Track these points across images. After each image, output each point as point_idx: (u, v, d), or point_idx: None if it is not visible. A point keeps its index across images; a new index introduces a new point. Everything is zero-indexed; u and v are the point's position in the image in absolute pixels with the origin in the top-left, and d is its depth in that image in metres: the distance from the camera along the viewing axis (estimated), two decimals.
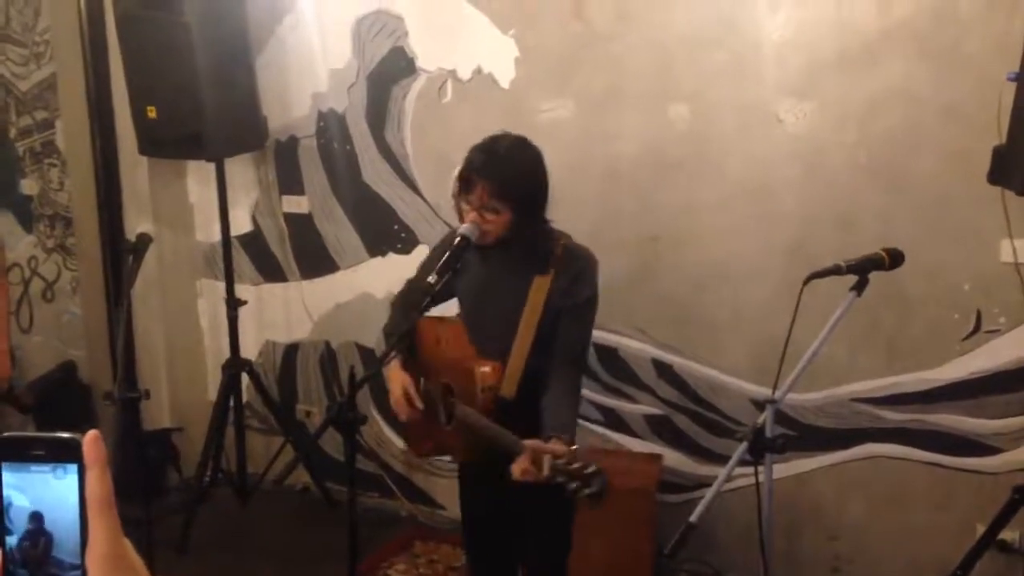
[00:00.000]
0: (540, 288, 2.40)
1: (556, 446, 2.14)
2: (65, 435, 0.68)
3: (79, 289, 4.51)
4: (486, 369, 2.39)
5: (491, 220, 2.32)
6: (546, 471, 2.09)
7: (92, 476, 0.67)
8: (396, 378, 2.53)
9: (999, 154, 2.64)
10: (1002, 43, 2.74)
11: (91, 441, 0.67)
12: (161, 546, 3.56)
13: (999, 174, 2.64)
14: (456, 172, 2.41)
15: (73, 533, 0.67)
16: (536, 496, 2.46)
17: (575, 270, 2.42)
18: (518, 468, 2.16)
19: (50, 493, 0.67)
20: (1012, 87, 2.53)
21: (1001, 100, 2.67)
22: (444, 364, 2.52)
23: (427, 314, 2.40)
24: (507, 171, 2.32)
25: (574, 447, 2.15)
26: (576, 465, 2.05)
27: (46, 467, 0.68)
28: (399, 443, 4.05)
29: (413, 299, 2.44)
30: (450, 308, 2.59)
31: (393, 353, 2.46)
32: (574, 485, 2.05)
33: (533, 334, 2.39)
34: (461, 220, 2.40)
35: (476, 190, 2.31)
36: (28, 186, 4.60)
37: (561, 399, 2.36)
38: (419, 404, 2.50)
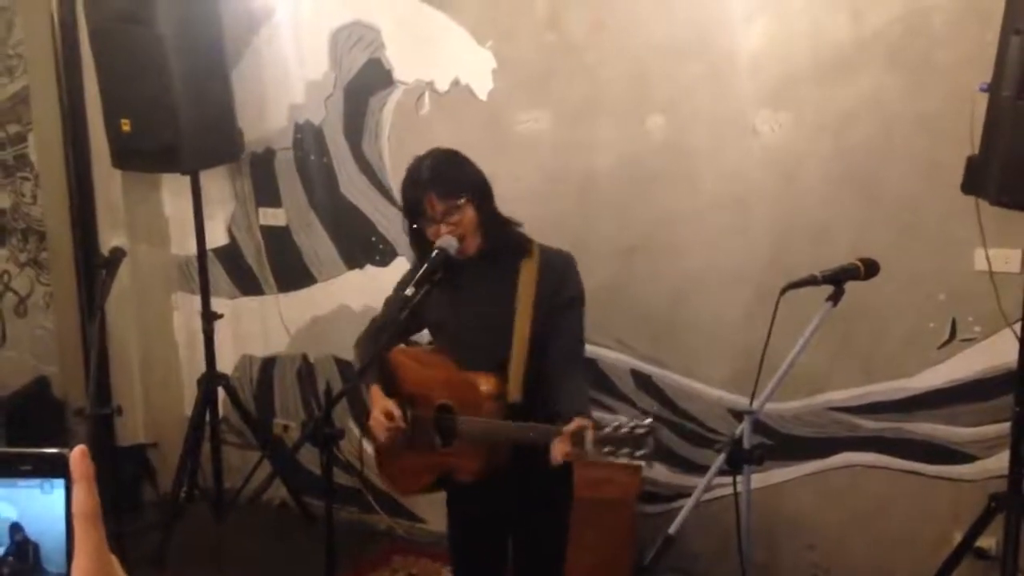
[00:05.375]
0: (528, 285, 2.39)
1: (587, 421, 2.12)
2: (52, 451, 0.69)
3: (52, 304, 4.46)
4: (489, 379, 2.36)
5: (458, 222, 2.33)
6: (589, 446, 2.06)
7: (79, 491, 0.67)
8: (377, 401, 2.46)
9: (972, 164, 2.66)
10: (974, 54, 2.77)
11: (78, 456, 0.68)
12: (138, 563, 3.52)
13: (972, 184, 2.67)
14: (402, 209, 2.43)
15: (59, 547, 0.68)
16: (535, 501, 2.46)
17: (560, 270, 2.44)
18: (559, 451, 2.13)
19: (38, 508, 0.68)
20: (984, 98, 2.56)
21: (974, 110, 2.69)
22: (436, 385, 2.47)
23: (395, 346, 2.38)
24: (442, 173, 2.35)
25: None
26: (624, 431, 2.02)
27: (34, 482, 0.69)
28: None
29: (390, 315, 2.42)
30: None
31: (371, 367, 2.44)
32: (626, 450, 2.02)
33: (529, 334, 2.38)
34: (419, 249, 2.42)
35: (427, 205, 2.33)
36: (0, 200, 4.55)
37: (569, 389, 2.35)
38: (401, 423, 2.43)
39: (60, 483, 0.68)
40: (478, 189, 2.39)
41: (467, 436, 2.39)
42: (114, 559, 0.69)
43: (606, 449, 2.03)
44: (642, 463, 2.03)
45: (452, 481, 2.56)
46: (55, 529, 0.68)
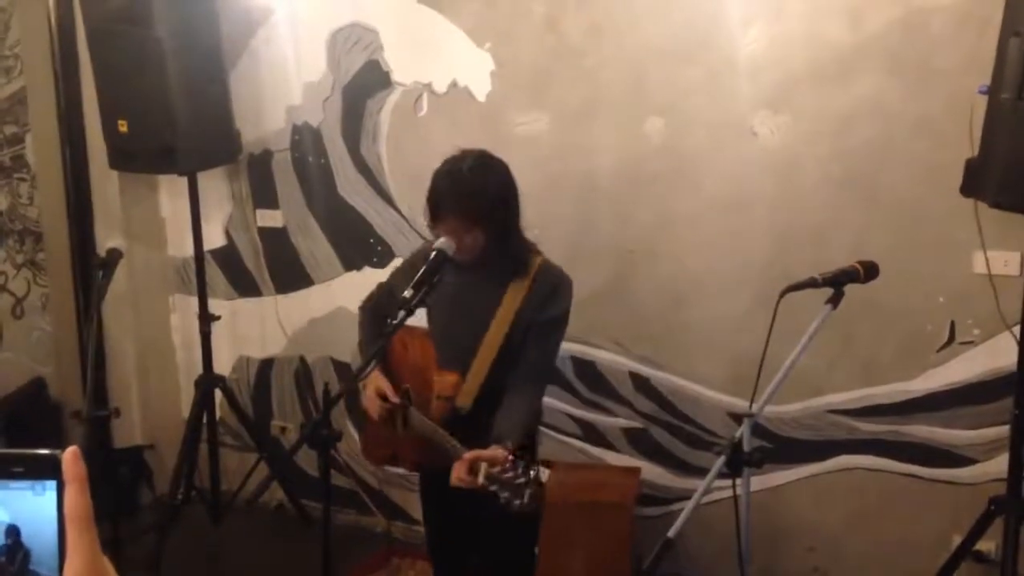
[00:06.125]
0: (514, 297, 2.42)
1: (495, 452, 2.14)
2: (44, 452, 0.68)
3: (49, 305, 4.45)
4: (446, 378, 2.40)
5: (467, 240, 2.35)
6: (481, 479, 2.10)
7: (71, 492, 0.67)
8: (373, 377, 2.53)
9: (971, 166, 2.66)
10: (973, 57, 2.77)
11: (70, 458, 0.68)
12: (134, 565, 3.51)
13: (972, 186, 2.67)
14: (426, 203, 2.43)
15: (51, 549, 0.67)
16: (492, 508, 2.47)
17: (550, 287, 2.46)
18: (454, 474, 2.19)
19: (29, 509, 0.68)
20: (984, 100, 2.56)
21: (973, 113, 2.69)
22: (407, 370, 2.53)
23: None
24: (474, 198, 2.33)
25: (509, 456, 2.14)
26: (508, 475, 2.05)
27: (25, 483, 0.68)
28: None
29: (388, 313, 2.42)
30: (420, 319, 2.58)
31: (368, 368, 2.45)
32: (505, 495, 2.05)
33: (499, 346, 2.41)
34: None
35: (447, 220, 2.34)
36: None
37: (511, 409, 2.37)
38: (394, 399, 2.48)
39: (52, 485, 0.68)
40: (498, 224, 2.38)
41: (413, 428, 2.44)
42: (107, 561, 0.69)
43: (492, 487, 2.10)
44: (522, 508, 2.08)
45: (423, 476, 2.67)
46: (47, 531, 0.67)
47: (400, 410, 2.51)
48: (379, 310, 2.67)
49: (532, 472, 2.07)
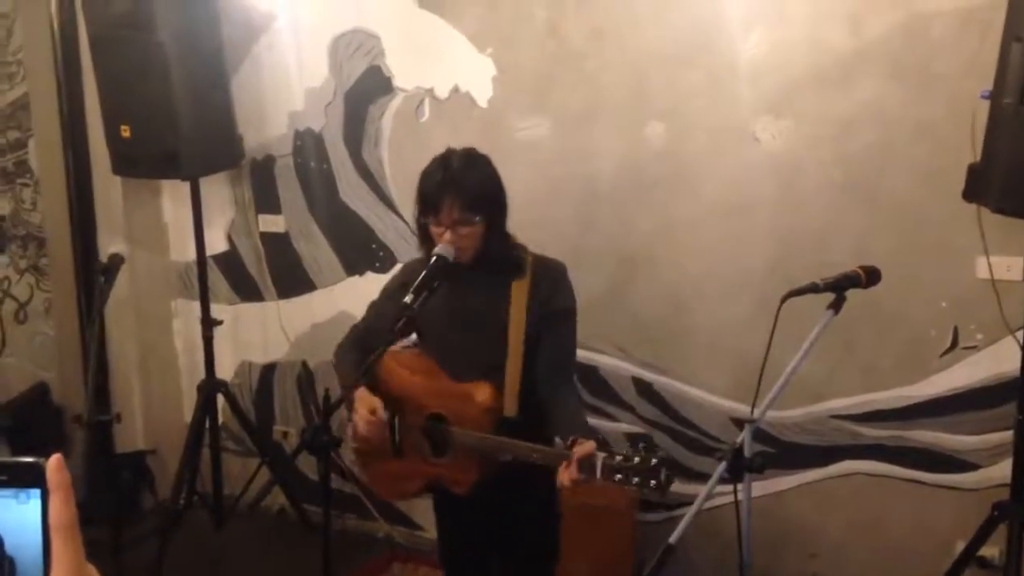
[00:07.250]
0: (520, 296, 2.40)
1: (591, 447, 2.11)
2: (28, 460, 0.67)
3: (52, 310, 4.46)
4: (486, 390, 2.36)
5: (466, 233, 2.33)
6: (599, 474, 2.06)
7: (56, 501, 0.66)
8: (363, 399, 2.45)
9: (974, 172, 2.66)
10: (975, 62, 2.76)
11: (54, 466, 0.67)
12: (135, 571, 3.51)
13: (974, 191, 2.66)
14: (416, 198, 2.41)
15: (36, 558, 0.66)
16: (520, 505, 2.46)
17: (552, 279, 2.45)
18: (567, 476, 2.12)
19: (13, 518, 0.67)
20: (986, 105, 2.55)
21: (975, 118, 2.69)
22: (427, 393, 2.47)
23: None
24: (470, 181, 2.33)
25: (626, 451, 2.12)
26: (634, 461, 2.02)
27: (9, 492, 0.67)
28: None
29: (386, 323, 2.41)
30: None
31: (364, 374, 2.42)
32: (637, 480, 2.02)
33: (523, 346, 2.38)
34: (425, 243, 2.42)
35: (444, 209, 2.32)
36: (0, 206, 4.55)
37: (569, 409, 2.36)
38: (382, 416, 2.43)
39: (36, 493, 0.67)
40: (495, 209, 2.39)
41: (463, 449, 2.38)
42: (92, 569, 0.68)
43: (617, 477, 2.03)
44: (652, 494, 2.02)
45: (439, 491, 2.58)
46: (31, 540, 0.66)
47: (426, 438, 2.46)
48: (361, 343, 2.62)
49: (660, 451, 2.04)
